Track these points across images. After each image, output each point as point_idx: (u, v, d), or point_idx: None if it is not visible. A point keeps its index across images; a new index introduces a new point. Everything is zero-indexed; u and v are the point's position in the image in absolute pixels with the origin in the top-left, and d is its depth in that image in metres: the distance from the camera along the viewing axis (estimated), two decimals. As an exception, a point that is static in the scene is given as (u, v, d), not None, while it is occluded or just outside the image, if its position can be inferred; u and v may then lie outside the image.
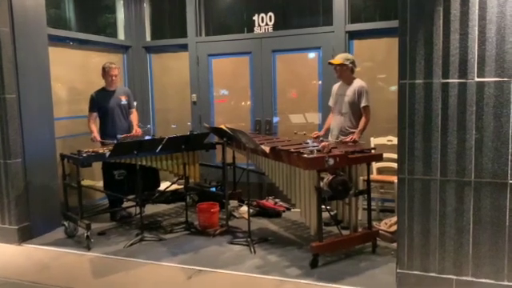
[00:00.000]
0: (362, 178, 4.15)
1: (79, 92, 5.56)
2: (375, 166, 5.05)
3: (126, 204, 5.28)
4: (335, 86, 4.80)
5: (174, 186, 5.73)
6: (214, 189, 5.58)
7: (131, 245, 4.32)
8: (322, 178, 3.83)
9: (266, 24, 5.70)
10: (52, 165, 4.76)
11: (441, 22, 2.91)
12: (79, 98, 5.53)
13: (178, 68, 6.28)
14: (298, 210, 4.08)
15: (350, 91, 4.55)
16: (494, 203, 2.90)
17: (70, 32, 5.40)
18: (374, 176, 4.96)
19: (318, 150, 3.75)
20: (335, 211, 4.22)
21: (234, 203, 5.59)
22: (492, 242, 2.92)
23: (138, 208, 5.28)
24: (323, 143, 3.78)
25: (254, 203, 5.45)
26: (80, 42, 5.61)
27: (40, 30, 4.72)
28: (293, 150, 3.81)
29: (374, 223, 4.32)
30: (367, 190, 4.03)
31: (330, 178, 3.77)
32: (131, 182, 5.11)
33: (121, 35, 6.31)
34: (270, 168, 4.26)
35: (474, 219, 2.94)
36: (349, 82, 4.60)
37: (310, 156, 3.64)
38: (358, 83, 4.55)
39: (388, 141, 5.10)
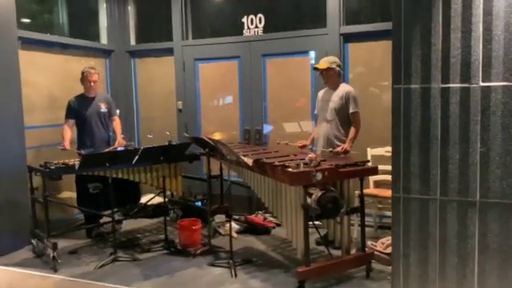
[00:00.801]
0: (357, 192, 3.76)
1: (56, 99, 5.20)
2: (372, 178, 4.65)
3: (104, 219, 4.91)
4: (320, 93, 4.44)
5: (157, 200, 5.36)
6: (199, 203, 5.19)
7: (102, 266, 3.95)
8: (311, 194, 3.45)
9: (256, 26, 5.35)
10: (21, 177, 4.39)
11: (440, 17, 2.52)
12: (56, 106, 5.17)
13: (163, 73, 5.93)
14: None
15: (337, 96, 4.18)
16: (502, 227, 2.49)
17: (44, 35, 5.05)
18: (371, 190, 4.56)
19: (305, 164, 3.36)
20: (326, 230, 3.82)
21: (220, 218, 5.21)
22: (500, 271, 2.51)
23: (122, 222, 5.02)
24: (310, 155, 3.39)
25: (243, 219, 5.07)
26: (59, 46, 5.27)
27: (9, 31, 4.38)
28: (277, 164, 3.43)
29: (370, 243, 3.93)
30: (361, 208, 3.63)
31: (319, 194, 3.39)
32: (107, 195, 4.75)
33: (103, 39, 5.97)
34: (255, 181, 3.89)
35: (480, 245, 2.54)
36: (335, 86, 4.24)
37: (296, 170, 3.25)
38: (344, 88, 4.20)
39: (386, 152, 4.68)
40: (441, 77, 2.54)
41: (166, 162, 4.41)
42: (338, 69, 4.19)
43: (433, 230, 2.63)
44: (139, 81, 6.11)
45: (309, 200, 3.43)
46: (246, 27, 5.40)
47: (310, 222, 3.40)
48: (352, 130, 4.15)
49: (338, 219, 3.63)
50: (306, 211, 3.31)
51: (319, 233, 3.77)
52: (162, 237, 4.60)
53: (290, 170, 3.27)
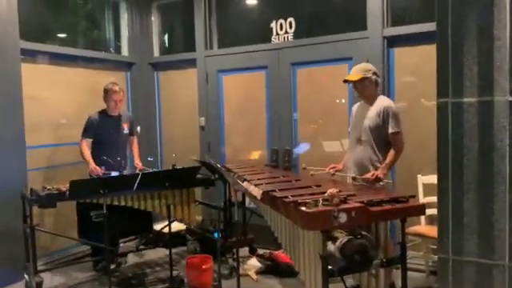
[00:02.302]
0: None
1: (67, 116, 4.79)
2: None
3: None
4: (355, 107, 3.67)
5: (176, 227, 4.78)
6: (216, 234, 4.53)
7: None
8: (335, 239, 2.68)
9: (286, 32, 4.67)
10: (19, 203, 3.97)
11: (507, 4, 1.71)
12: (67, 123, 4.76)
13: (187, 87, 5.38)
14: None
15: (372, 113, 3.38)
16: None
17: (53, 47, 4.66)
18: (421, 228, 3.69)
19: (325, 200, 2.60)
20: (357, 284, 3.01)
21: (243, 252, 4.52)
22: None
23: (127, 256, 4.50)
24: (331, 190, 2.61)
25: (267, 255, 4.35)
26: (74, 59, 4.87)
27: (10, 43, 4.03)
28: (290, 199, 2.70)
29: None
30: (401, 258, 2.78)
31: (344, 240, 2.60)
32: (114, 224, 4.23)
33: (124, 51, 5.54)
34: (270, 215, 3.17)
35: None
36: (371, 100, 3.44)
37: (311, 210, 2.50)
38: (383, 102, 3.38)
39: (441, 179, 3.80)
40: (509, 86, 1.71)
41: (172, 187, 3.81)
42: (374, 77, 3.39)
43: (499, 311, 1.78)
44: (163, 95, 5.61)
45: (331, 247, 2.66)
46: (274, 33, 4.73)
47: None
48: (391, 153, 3.32)
49: (373, 271, 2.82)
50: (325, 263, 2.54)
51: (345, 285, 2.95)
52: (175, 273, 4.00)
53: (303, 209, 2.52)
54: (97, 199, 3.55)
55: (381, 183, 3.24)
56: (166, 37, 5.84)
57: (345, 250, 2.57)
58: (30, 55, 4.36)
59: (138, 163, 4.49)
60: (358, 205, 2.58)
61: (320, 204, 2.56)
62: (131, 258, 4.58)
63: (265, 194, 2.93)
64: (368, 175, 3.26)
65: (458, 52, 1.79)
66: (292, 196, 2.74)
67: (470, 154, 1.80)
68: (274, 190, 2.93)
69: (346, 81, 3.47)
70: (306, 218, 2.49)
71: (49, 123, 4.67)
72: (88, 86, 4.87)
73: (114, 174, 3.72)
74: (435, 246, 3.81)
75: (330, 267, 2.57)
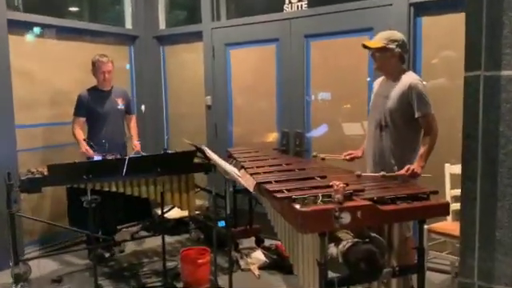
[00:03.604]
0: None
1: (63, 92, 4.46)
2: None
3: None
4: (376, 83, 3.14)
5: (180, 213, 4.45)
6: (222, 223, 4.16)
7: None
8: (338, 240, 2.26)
9: (299, 0, 4.15)
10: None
11: None
12: (63, 101, 4.44)
13: (194, 62, 4.97)
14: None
15: (396, 92, 2.85)
16: None
17: (45, 17, 4.26)
18: (445, 225, 3.20)
19: (327, 196, 2.16)
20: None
21: (249, 242, 4.18)
22: None
23: (122, 244, 4.22)
24: (336, 183, 2.16)
25: (273, 247, 3.97)
26: (71, 32, 4.53)
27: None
28: (284, 194, 2.27)
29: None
30: (418, 267, 2.32)
31: (348, 245, 2.17)
32: (109, 210, 3.94)
33: (128, 23, 5.15)
34: (269, 209, 2.76)
35: None
36: (394, 76, 2.91)
37: (306, 208, 2.07)
38: (408, 79, 2.84)
39: (472, 169, 3.28)
40: None
41: (166, 173, 3.44)
42: (397, 50, 2.86)
43: None
44: (168, 72, 5.22)
45: (333, 250, 2.24)
46: (287, 1, 4.23)
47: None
48: (426, 143, 2.79)
49: (384, 280, 2.39)
50: (323, 272, 2.12)
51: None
52: (172, 265, 3.70)
53: (297, 206, 2.09)
54: (80, 184, 3.23)
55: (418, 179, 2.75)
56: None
57: (349, 256, 2.14)
58: (20, 27, 4.04)
59: (136, 144, 4.17)
60: (364, 203, 2.12)
61: (319, 201, 2.13)
62: (130, 246, 4.30)
63: (258, 186, 2.51)
64: (403, 171, 2.72)
65: (494, 6, 1.30)
66: (287, 190, 2.31)
67: (507, 147, 1.33)
68: (269, 182, 2.51)
69: (364, 46, 2.95)
70: (300, 218, 2.05)
71: (44, 101, 4.37)
72: (86, 62, 4.51)
73: (97, 158, 3.37)
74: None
75: (330, 275, 2.16)
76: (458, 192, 3.36)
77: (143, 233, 4.57)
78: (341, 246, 2.21)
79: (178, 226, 4.58)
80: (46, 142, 4.38)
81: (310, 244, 2.25)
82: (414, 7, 3.57)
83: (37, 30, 4.25)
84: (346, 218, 2.06)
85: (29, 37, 4.22)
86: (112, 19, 5.25)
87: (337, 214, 2.05)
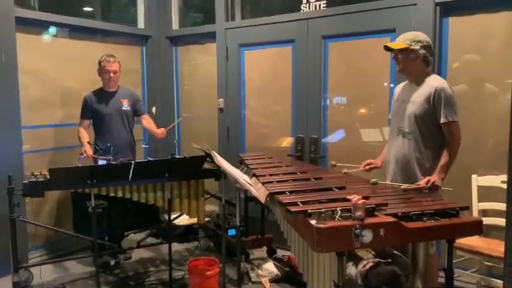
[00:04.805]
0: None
1: (74, 93, 4.33)
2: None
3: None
4: (398, 88, 2.95)
5: (190, 220, 4.29)
6: (232, 231, 3.99)
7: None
8: (357, 259, 2.07)
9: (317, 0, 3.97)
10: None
11: None
12: (73, 101, 4.31)
13: (208, 64, 4.81)
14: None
15: (420, 96, 2.65)
16: None
17: (55, 16, 4.12)
18: (473, 241, 2.96)
19: (346, 211, 1.96)
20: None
21: (260, 253, 3.99)
22: None
23: (128, 253, 4.07)
24: (355, 198, 1.96)
25: (286, 259, 3.78)
26: (83, 31, 4.40)
27: (2, 10, 3.59)
28: (299, 207, 2.08)
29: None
30: (446, 291, 2.11)
31: (369, 265, 1.98)
32: (116, 215, 3.80)
33: (140, 23, 5.01)
34: (282, 222, 2.57)
35: None
36: (418, 80, 2.71)
37: (323, 225, 1.87)
38: (434, 82, 2.64)
39: (503, 182, 3.04)
40: None
41: (174, 178, 3.28)
42: (422, 52, 2.66)
43: None
44: (181, 73, 5.07)
45: (352, 270, 2.05)
46: (304, 1, 4.04)
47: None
48: (446, 152, 2.59)
49: (407, 301, 2.17)
50: (341, 294, 1.92)
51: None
52: (180, 274, 3.54)
53: (313, 222, 1.90)
54: (84, 189, 3.10)
55: (438, 192, 2.54)
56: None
57: (369, 278, 1.95)
58: (30, 25, 3.93)
59: (156, 131, 4.05)
60: (388, 219, 1.92)
61: (337, 216, 1.94)
62: (136, 253, 4.15)
63: (270, 196, 2.33)
64: (421, 183, 2.52)
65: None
66: (302, 203, 2.12)
67: None
68: (283, 192, 2.33)
69: (387, 48, 2.75)
70: (316, 235, 1.86)
71: (54, 101, 4.25)
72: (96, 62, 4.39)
73: (101, 162, 3.22)
74: (490, 264, 3.09)
75: (348, 298, 1.97)
76: (486, 205, 3.14)
77: (151, 239, 4.40)
78: (360, 266, 2.02)
79: (187, 233, 4.40)
80: (56, 144, 4.26)
81: (327, 263, 2.06)
82: (440, 7, 3.34)
83: (48, 28, 4.14)
84: (368, 236, 1.87)
85: (40, 35, 4.10)
86: (125, 19, 5.12)
87: (357, 231, 1.85)
